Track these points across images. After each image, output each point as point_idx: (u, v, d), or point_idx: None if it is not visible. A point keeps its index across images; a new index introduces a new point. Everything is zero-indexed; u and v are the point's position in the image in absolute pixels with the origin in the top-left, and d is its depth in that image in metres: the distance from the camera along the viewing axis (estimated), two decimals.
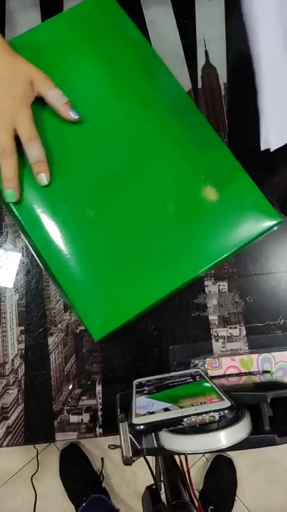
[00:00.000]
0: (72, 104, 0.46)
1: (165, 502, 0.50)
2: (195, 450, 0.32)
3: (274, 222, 0.44)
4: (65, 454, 1.21)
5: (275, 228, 0.45)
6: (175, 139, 0.46)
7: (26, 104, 0.45)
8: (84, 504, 1.08)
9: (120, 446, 0.35)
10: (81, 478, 1.16)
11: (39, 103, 0.46)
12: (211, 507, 1.11)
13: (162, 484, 0.57)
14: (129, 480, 1.21)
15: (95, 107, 0.48)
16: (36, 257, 0.49)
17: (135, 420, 0.31)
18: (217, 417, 0.30)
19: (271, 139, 0.43)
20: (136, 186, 0.45)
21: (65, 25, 0.50)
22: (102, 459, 1.21)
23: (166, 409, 0.32)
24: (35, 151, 0.44)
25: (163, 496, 0.52)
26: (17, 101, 0.44)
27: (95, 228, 0.44)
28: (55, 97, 0.46)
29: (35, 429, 0.48)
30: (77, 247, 0.44)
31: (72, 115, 0.47)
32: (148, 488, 0.52)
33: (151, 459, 0.56)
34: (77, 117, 0.47)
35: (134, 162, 0.46)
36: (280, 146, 0.43)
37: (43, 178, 0.44)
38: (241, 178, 0.45)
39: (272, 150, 0.43)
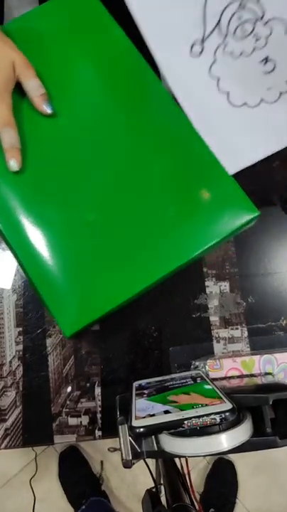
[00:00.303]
0: (50, 98, 0.47)
1: (166, 505, 0.49)
2: (195, 453, 0.31)
3: (252, 216, 0.44)
4: (64, 456, 1.20)
5: (252, 223, 0.46)
6: (154, 134, 0.47)
7: (6, 91, 0.45)
8: (83, 507, 1.07)
9: (120, 449, 0.34)
10: (80, 480, 1.15)
11: (22, 95, 0.47)
12: (212, 509, 1.10)
13: (162, 487, 0.57)
14: (129, 483, 1.20)
15: (78, 102, 0.48)
16: (9, 249, 0.48)
17: (135, 423, 0.31)
18: (218, 420, 0.29)
19: (226, 165, 0.47)
20: (111, 182, 0.46)
21: (53, 14, 0.51)
22: (102, 461, 1.21)
23: (166, 412, 0.31)
24: (9, 137, 0.45)
25: (163, 499, 0.52)
26: None
27: (68, 224, 0.45)
28: (33, 87, 0.46)
29: (33, 432, 0.47)
30: (49, 241, 0.44)
31: (46, 108, 0.46)
32: (148, 491, 0.52)
33: (151, 461, 0.56)
34: (50, 111, 0.47)
35: (111, 158, 0.46)
36: (235, 172, 0.48)
37: (14, 164, 0.45)
38: (219, 173, 0.45)
39: (230, 174, 0.47)
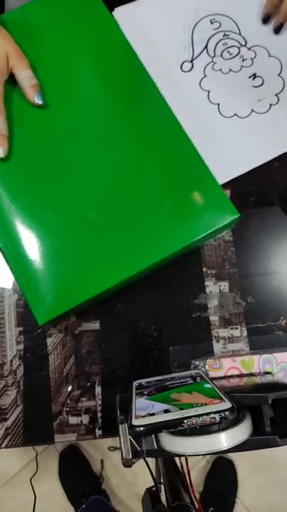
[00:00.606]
0: (42, 89, 0.47)
1: (165, 504, 0.49)
2: (195, 452, 0.31)
3: (233, 217, 0.44)
4: (65, 455, 1.21)
5: (233, 225, 0.47)
6: (146, 132, 0.47)
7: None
8: (83, 506, 1.07)
9: (120, 448, 0.35)
10: (80, 480, 1.16)
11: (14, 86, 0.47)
12: (211, 508, 1.10)
13: (162, 486, 0.57)
14: (129, 482, 1.20)
15: (72, 98, 0.49)
16: None
17: (135, 422, 0.31)
18: (217, 419, 0.30)
19: (216, 174, 0.48)
20: (95, 175, 0.46)
21: (50, 7, 0.51)
22: (102, 460, 1.21)
23: (166, 411, 0.32)
24: None
25: (163, 498, 0.52)
26: None
27: (49, 215, 0.46)
28: (24, 77, 0.47)
29: (34, 431, 0.47)
30: (30, 230, 0.45)
31: (36, 99, 0.47)
32: (148, 490, 0.52)
33: (151, 460, 0.56)
34: (41, 102, 0.47)
35: (100, 151, 0.47)
36: (225, 181, 0.51)
37: (0, 151, 0.45)
38: (205, 175, 0.46)
39: (221, 183, 0.50)
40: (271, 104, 0.54)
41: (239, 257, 0.50)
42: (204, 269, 0.50)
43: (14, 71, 0.46)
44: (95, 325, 0.49)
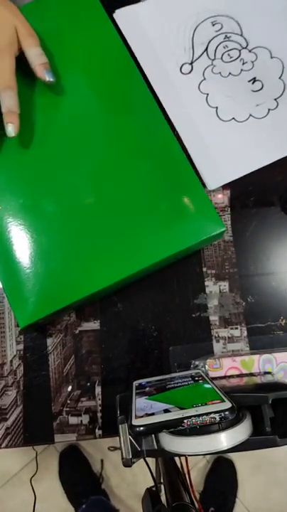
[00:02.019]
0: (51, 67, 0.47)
1: (166, 504, 0.49)
2: (195, 452, 0.32)
3: (219, 231, 0.44)
4: (65, 455, 1.21)
5: (220, 238, 0.48)
6: (136, 137, 0.48)
7: (9, 54, 0.45)
8: (83, 506, 1.07)
9: (120, 448, 0.35)
10: (80, 480, 1.16)
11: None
12: (212, 508, 1.10)
13: (162, 486, 0.57)
14: (129, 482, 1.20)
15: (65, 99, 0.49)
16: None
17: (135, 422, 0.31)
18: (217, 419, 0.30)
19: (209, 179, 0.50)
20: (85, 176, 0.47)
21: (49, 8, 0.52)
22: (102, 460, 1.21)
23: (166, 411, 0.32)
24: (8, 100, 0.44)
25: (163, 498, 0.52)
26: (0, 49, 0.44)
27: (37, 217, 0.46)
28: (35, 55, 0.46)
29: (34, 431, 0.47)
30: (19, 233, 0.45)
31: (47, 77, 0.46)
32: (148, 489, 0.52)
33: (151, 460, 0.56)
34: (52, 80, 0.47)
35: (89, 153, 0.48)
36: (219, 186, 0.51)
37: (11, 129, 0.44)
38: (194, 186, 0.46)
39: (210, 189, 0.51)
40: (269, 109, 0.53)
41: (239, 257, 0.50)
42: (204, 269, 0.50)
43: (24, 48, 0.46)
44: (95, 325, 0.49)
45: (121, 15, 0.56)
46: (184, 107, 0.53)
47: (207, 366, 0.44)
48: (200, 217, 0.45)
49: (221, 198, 0.51)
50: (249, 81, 0.53)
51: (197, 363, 0.46)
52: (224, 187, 0.51)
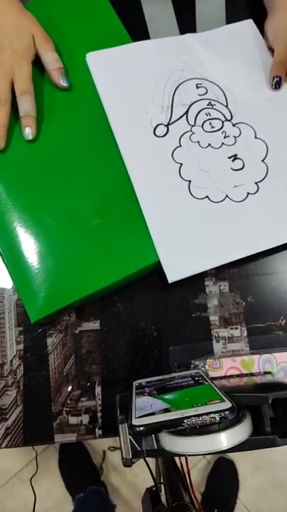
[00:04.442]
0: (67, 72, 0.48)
1: (166, 504, 0.49)
2: (195, 452, 0.32)
3: (153, 261, 0.45)
4: (66, 446, 1.21)
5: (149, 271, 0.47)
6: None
7: (26, 60, 0.46)
8: (81, 494, 1.07)
9: (120, 448, 0.35)
10: (80, 470, 1.16)
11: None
12: (216, 510, 1.10)
13: (162, 486, 0.57)
14: (129, 482, 1.20)
15: (71, 100, 0.49)
16: None
17: (135, 422, 0.31)
18: (217, 419, 0.30)
19: (167, 271, 0.45)
20: (92, 181, 0.47)
21: (54, 5, 0.52)
22: (104, 451, 1.21)
23: (166, 411, 0.32)
24: (26, 105, 0.46)
25: (163, 498, 0.52)
26: (18, 55, 0.46)
27: (46, 214, 0.46)
28: (51, 60, 0.48)
29: (34, 431, 0.47)
30: (27, 229, 0.46)
31: (62, 82, 0.48)
32: (148, 489, 0.52)
33: (151, 460, 0.56)
34: (66, 85, 0.48)
35: (92, 158, 0.48)
36: (175, 280, 0.45)
37: (28, 132, 0.46)
38: (139, 222, 0.46)
39: (170, 282, 0.45)
40: (248, 193, 0.46)
41: None
42: None
43: (40, 53, 0.47)
44: (95, 325, 0.49)
45: (94, 58, 0.50)
46: (155, 174, 0.46)
47: (207, 366, 0.44)
48: (140, 249, 0.46)
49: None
50: (230, 157, 0.47)
51: (197, 363, 0.46)
52: None
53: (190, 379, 0.39)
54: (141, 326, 0.49)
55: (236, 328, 0.49)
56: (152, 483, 0.53)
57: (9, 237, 0.46)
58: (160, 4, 0.58)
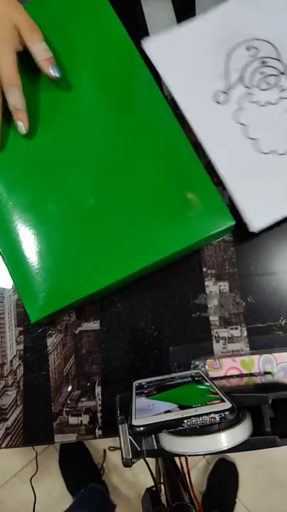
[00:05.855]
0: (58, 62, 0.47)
1: (166, 504, 0.49)
2: (195, 452, 0.32)
3: (229, 224, 0.45)
4: (66, 446, 1.21)
5: (227, 232, 0.47)
6: (144, 135, 0.48)
7: (10, 49, 0.44)
8: (82, 490, 1.07)
9: (120, 448, 0.35)
10: (81, 468, 1.16)
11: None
12: (216, 510, 1.11)
13: (162, 486, 0.57)
14: (129, 482, 1.20)
15: (70, 96, 0.49)
16: None
17: (135, 422, 0.31)
18: (217, 419, 0.30)
19: (250, 220, 0.45)
20: (94, 174, 0.47)
21: (52, 4, 0.51)
22: (104, 450, 1.21)
23: (166, 411, 0.32)
24: (13, 99, 0.44)
25: (163, 498, 0.52)
26: None
27: (46, 214, 0.46)
28: (38, 50, 0.45)
29: (34, 431, 0.47)
30: (27, 227, 0.46)
31: (53, 72, 0.46)
32: (148, 489, 0.52)
33: (151, 460, 0.56)
34: (57, 75, 0.46)
35: (98, 152, 0.48)
36: (259, 228, 0.46)
37: (22, 127, 0.45)
38: (203, 180, 0.46)
39: (257, 231, 0.46)
40: None
41: (239, 257, 0.50)
42: (204, 269, 0.50)
43: (28, 44, 0.45)
44: (95, 325, 0.49)
45: (150, 43, 0.53)
46: (220, 139, 0.50)
47: (207, 366, 0.44)
48: (208, 211, 0.45)
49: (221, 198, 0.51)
50: None
51: (197, 363, 0.46)
52: (223, 186, 0.51)
53: (190, 379, 0.39)
54: (140, 326, 0.49)
55: (236, 329, 0.49)
56: (152, 483, 0.53)
57: (9, 237, 0.46)
58: (160, 4, 0.58)
